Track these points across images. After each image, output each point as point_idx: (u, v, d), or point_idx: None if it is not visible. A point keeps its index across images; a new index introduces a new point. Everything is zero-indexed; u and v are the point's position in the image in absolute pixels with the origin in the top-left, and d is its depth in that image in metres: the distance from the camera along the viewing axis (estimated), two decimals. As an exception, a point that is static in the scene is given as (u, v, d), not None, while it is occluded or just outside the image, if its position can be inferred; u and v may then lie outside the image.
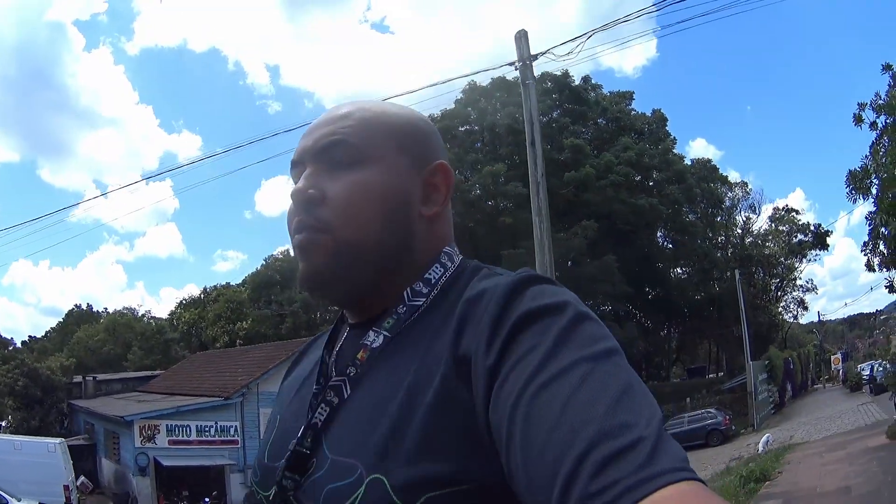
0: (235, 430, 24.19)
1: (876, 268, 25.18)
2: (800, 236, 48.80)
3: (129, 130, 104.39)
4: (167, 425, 23.18)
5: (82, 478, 23.13)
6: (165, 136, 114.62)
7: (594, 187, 34.67)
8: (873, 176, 19.62)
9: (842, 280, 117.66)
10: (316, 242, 0.96)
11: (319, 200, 0.96)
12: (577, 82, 40.05)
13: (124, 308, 71.38)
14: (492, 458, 0.75)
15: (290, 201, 1.00)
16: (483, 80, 40.35)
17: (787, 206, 50.67)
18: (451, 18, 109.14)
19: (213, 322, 52.81)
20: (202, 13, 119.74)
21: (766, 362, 35.43)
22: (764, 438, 20.10)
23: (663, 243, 43.92)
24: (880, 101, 19.48)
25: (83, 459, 23.96)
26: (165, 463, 22.53)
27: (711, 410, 30.09)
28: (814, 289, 53.56)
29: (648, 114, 43.31)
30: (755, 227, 50.94)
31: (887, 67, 19.25)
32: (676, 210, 40.61)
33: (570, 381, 0.69)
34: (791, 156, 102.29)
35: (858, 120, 20.13)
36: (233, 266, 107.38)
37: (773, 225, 50.01)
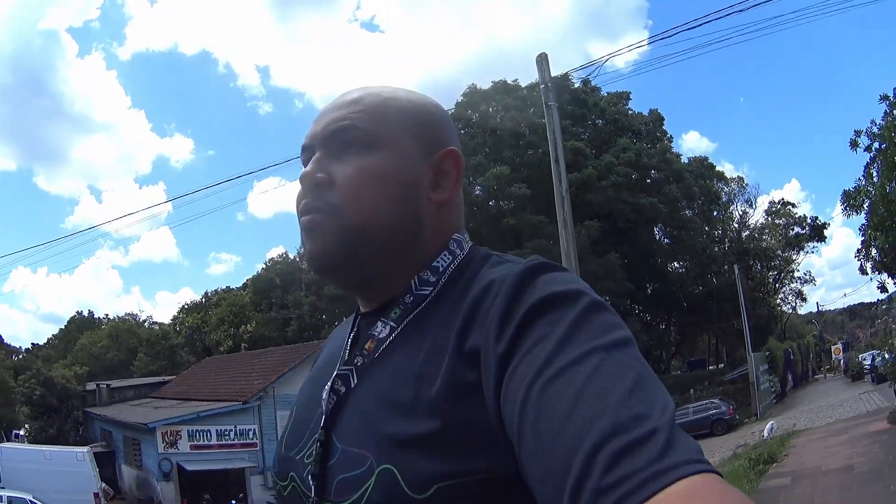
0: (254, 433, 24.85)
1: (868, 271, 27.47)
2: (797, 229, 49.45)
3: (122, 135, 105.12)
4: (188, 430, 23.85)
5: (102, 484, 23.42)
6: (158, 139, 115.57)
7: (596, 188, 35.36)
8: (864, 196, 21.58)
9: (840, 270, 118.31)
10: (322, 224, 0.97)
11: (328, 184, 0.97)
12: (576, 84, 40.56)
13: (126, 314, 72.41)
14: (502, 447, 0.76)
15: (299, 184, 1.02)
16: (483, 83, 41.22)
17: (782, 199, 51.64)
18: (441, 16, 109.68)
19: (216, 326, 53.13)
20: (193, 16, 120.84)
21: (767, 353, 36.08)
22: (769, 425, 20.90)
23: (661, 239, 44.59)
24: (875, 129, 21.54)
25: (102, 466, 24.40)
26: (188, 468, 23.04)
27: (715, 401, 30.76)
28: (812, 280, 54.75)
29: (646, 113, 44.06)
30: (752, 221, 51.74)
31: (885, 98, 21.22)
32: (675, 208, 41.21)
33: (583, 370, 0.70)
34: (785, 146, 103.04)
35: (854, 145, 22.11)
36: (227, 268, 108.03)
37: (769, 218, 50.88)
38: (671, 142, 45.25)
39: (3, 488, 18.73)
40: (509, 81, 40.73)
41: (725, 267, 44.72)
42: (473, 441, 0.79)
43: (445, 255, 1.00)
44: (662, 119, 43.79)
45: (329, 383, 0.97)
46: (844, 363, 42.58)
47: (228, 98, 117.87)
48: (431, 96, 1.10)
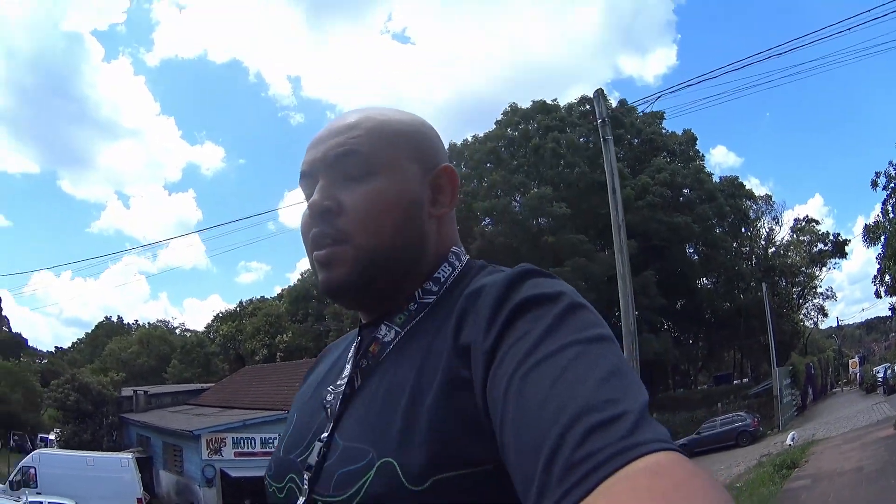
0: (296, 441, 25.79)
1: (882, 295, 30.77)
2: (819, 245, 50.26)
3: (151, 141, 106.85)
4: (233, 438, 24.13)
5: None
6: (188, 147, 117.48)
7: (633, 207, 35.03)
8: (882, 231, 25.24)
9: (859, 284, 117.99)
10: (337, 255, 1.01)
11: (337, 211, 1.01)
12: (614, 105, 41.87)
13: (158, 321, 74.60)
14: (494, 440, 0.78)
15: (306, 212, 1.05)
16: (513, 95, 42.93)
17: (806, 216, 52.40)
18: (472, 28, 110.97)
19: (251, 335, 54.28)
20: (222, 24, 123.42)
21: (791, 368, 37.22)
22: (790, 435, 22.42)
23: (692, 255, 45.34)
24: (892, 171, 25.34)
25: (140, 472, 24.06)
26: (232, 474, 23.46)
27: (741, 414, 31.79)
28: (833, 296, 55.27)
29: (679, 133, 45.25)
30: (778, 238, 52.62)
31: None
32: (707, 227, 42.06)
33: (560, 360, 0.74)
34: (809, 161, 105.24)
35: (874, 184, 25.74)
36: (257, 277, 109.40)
37: (794, 235, 51.70)
38: (703, 160, 46.49)
39: (40, 493, 18.90)
40: (548, 101, 42.17)
41: (752, 283, 45.91)
42: (469, 434, 0.83)
43: (446, 267, 1.07)
44: (695, 139, 45.07)
45: (332, 387, 1.04)
46: (860, 376, 43.64)
47: (260, 107, 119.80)
48: (418, 115, 1.16)
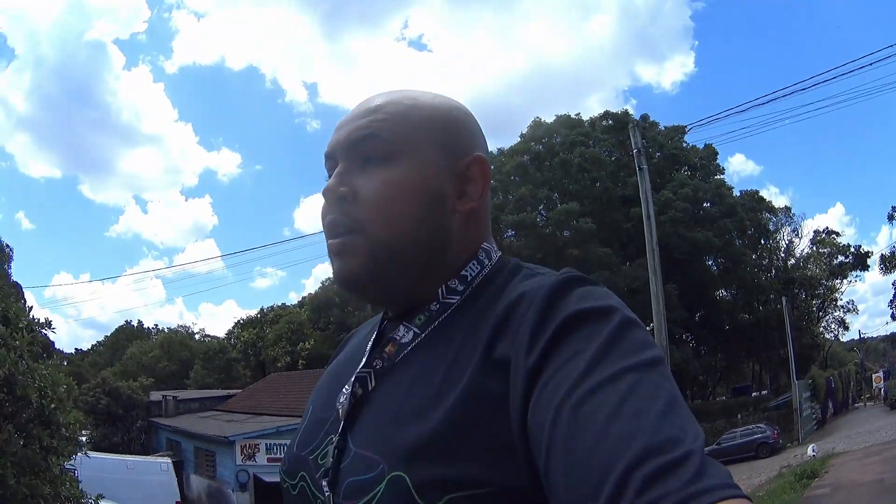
0: (328, 448, 26.28)
1: None
2: (840, 258, 50.39)
3: (169, 147, 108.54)
4: (266, 444, 24.49)
5: (175, 493, 24.39)
6: (205, 153, 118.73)
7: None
8: None
9: (883, 296, 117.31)
10: (350, 245, 0.97)
11: (352, 198, 0.97)
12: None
13: (179, 326, 75.44)
14: (520, 461, 0.76)
15: (322, 198, 1.01)
16: (530, 102, 44.02)
17: (826, 227, 52.67)
18: (488, 35, 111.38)
19: (273, 342, 54.71)
20: (239, 32, 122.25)
21: (810, 381, 37.24)
22: (811, 447, 22.87)
23: (712, 267, 45.66)
24: None
25: None
26: (266, 479, 23.45)
27: (761, 426, 32.30)
28: (854, 309, 55.26)
29: (699, 147, 44.84)
30: (797, 251, 52.86)
31: None
32: (727, 241, 42.60)
33: (617, 389, 0.70)
34: (831, 170, 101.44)
35: (891, 217, 27.85)
36: (272, 282, 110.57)
37: (814, 248, 51.85)
38: (723, 173, 47.09)
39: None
40: (572, 115, 43.19)
41: (772, 296, 46.22)
42: (490, 453, 0.79)
43: (474, 265, 1.01)
44: (716, 153, 45.48)
45: (349, 385, 0.97)
46: (885, 392, 42.51)
47: (276, 114, 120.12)
48: (457, 100, 1.09)
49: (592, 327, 0.79)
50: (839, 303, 53.95)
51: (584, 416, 0.69)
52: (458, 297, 0.98)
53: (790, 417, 34.76)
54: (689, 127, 15.64)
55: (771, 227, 51.03)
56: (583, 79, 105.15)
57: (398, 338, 0.98)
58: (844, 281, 52.06)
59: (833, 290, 52.59)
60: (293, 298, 64.85)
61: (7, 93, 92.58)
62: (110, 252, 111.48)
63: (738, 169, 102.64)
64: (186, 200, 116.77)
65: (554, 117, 43.54)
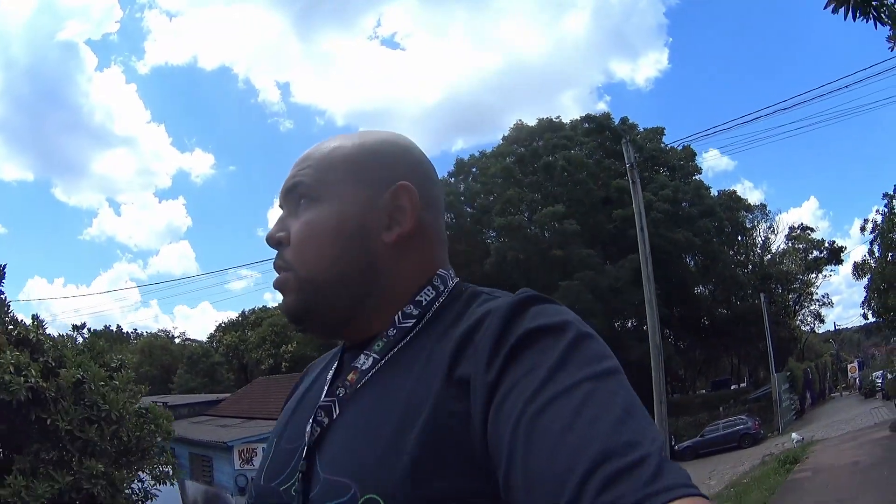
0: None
1: (870, 317, 36.60)
2: (815, 252, 51.27)
3: (142, 149, 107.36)
4: (263, 448, 24.70)
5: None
6: (178, 154, 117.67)
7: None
8: (868, 269, 31.51)
9: (857, 288, 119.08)
10: (284, 281, 1.03)
11: (286, 241, 1.04)
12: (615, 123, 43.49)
13: (160, 331, 73.35)
14: (488, 475, 0.77)
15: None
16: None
17: (801, 223, 53.54)
18: (462, 33, 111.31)
19: (257, 345, 54.44)
20: (212, 32, 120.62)
21: (788, 373, 38.49)
22: (794, 435, 23.61)
23: (690, 264, 46.24)
24: (878, 219, 30.08)
25: None
26: None
27: (743, 417, 33.05)
28: (829, 303, 56.26)
29: (678, 149, 45.28)
30: (773, 247, 53.66)
31: (887, 195, 27.83)
32: (707, 240, 43.80)
33: (573, 400, 0.72)
34: (804, 165, 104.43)
35: (863, 229, 30.59)
36: (247, 284, 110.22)
37: (790, 244, 52.76)
38: (700, 172, 47.74)
39: None
40: (553, 119, 44.22)
41: (749, 291, 47.08)
42: (459, 470, 0.80)
43: (429, 290, 1.02)
44: (694, 154, 45.93)
45: (312, 415, 0.98)
46: (859, 381, 44.35)
47: (249, 114, 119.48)
48: (394, 131, 1.12)
49: (548, 342, 0.81)
50: (815, 297, 54.96)
51: (542, 427, 0.72)
52: (414, 321, 1.00)
53: (770, 409, 35.87)
54: (672, 144, 16.77)
55: (747, 224, 51.74)
56: (557, 76, 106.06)
57: (359, 366, 1.00)
58: (819, 275, 53.15)
59: (809, 284, 53.44)
60: (268, 299, 64.50)
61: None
62: (84, 255, 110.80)
63: (713, 164, 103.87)
64: (160, 202, 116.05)
65: (536, 120, 44.29)
